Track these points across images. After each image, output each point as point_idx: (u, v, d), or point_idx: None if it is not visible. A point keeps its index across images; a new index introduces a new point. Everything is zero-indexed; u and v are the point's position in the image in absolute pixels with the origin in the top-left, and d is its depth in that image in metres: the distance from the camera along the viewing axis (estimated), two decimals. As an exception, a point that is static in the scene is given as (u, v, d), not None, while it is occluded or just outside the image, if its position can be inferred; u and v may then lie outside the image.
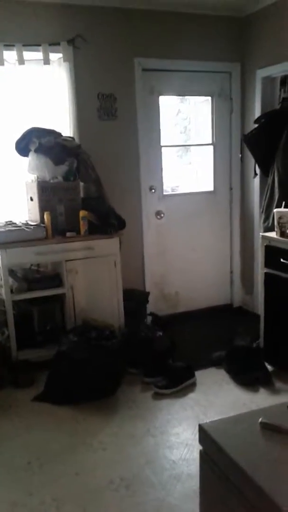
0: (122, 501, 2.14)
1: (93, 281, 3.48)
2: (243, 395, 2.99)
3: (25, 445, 2.58)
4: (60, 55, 3.62)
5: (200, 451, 1.13)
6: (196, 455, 2.39)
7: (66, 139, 3.64)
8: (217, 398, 2.96)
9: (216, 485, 1.09)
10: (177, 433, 2.65)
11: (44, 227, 3.36)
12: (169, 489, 2.20)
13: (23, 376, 3.22)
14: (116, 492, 2.19)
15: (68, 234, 3.42)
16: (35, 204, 3.54)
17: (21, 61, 3.49)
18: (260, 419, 1.09)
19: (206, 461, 1.12)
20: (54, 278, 3.47)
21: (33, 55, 3.55)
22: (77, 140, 3.71)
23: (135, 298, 3.82)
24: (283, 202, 3.21)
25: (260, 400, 2.88)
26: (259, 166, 3.91)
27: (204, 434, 1.11)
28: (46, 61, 3.56)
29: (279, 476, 0.93)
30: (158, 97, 4.08)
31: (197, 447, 2.44)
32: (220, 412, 2.75)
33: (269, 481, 0.91)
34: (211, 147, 4.39)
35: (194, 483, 2.18)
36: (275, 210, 3.15)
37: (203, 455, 1.13)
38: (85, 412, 2.85)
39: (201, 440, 1.13)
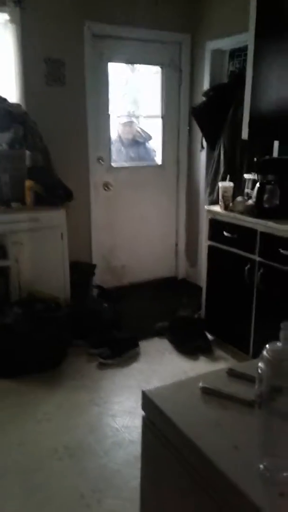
0: (65, 469, 2.17)
1: (39, 253, 3.41)
2: (184, 363, 3.09)
3: None
4: (6, 16, 3.42)
5: (143, 417, 1.16)
6: (138, 422, 2.45)
7: (11, 105, 3.49)
8: (159, 367, 3.04)
9: (157, 450, 1.13)
10: (120, 401, 2.71)
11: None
12: (111, 455, 2.26)
13: None
14: (60, 460, 2.22)
15: (13, 204, 3.32)
16: (-22, 172, 3.39)
17: None
18: (200, 384, 1.13)
19: (148, 426, 1.15)
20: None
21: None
22: (23, 107, 3.56)
23: (81, 271, 3.80)
24: (228, 176, 3.27)
25: (200, 367, 2.99)
26: (206, 139, 3.94)
27: (146, 400, 1.14)
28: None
29: (218, 437, 0.98)
30: (107, 64, 3.98)
31: (139, 415, 2.49)
32: (163, 380, 2.82)
33: (209, 443, 0.95)
34: (160, 119, 4.37)
35: (135, 449, 2.25)
36: (219, 184, 3.20)
37: (146, 421, 1.16)
38: (30, 384, 2.84)
39: (144, 407, 1.15)
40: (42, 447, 2.32)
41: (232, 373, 1.19)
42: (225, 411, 1.06)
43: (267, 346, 0.86)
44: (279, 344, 0.85)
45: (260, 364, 0.85)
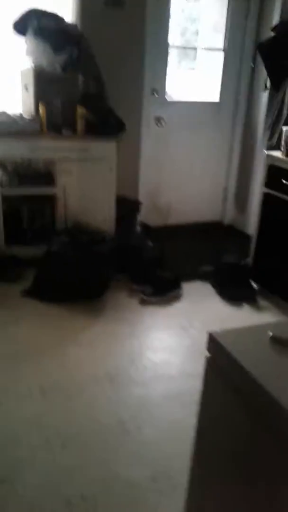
0: (106, 393, 2.26)
1: (86, 184, 3.39)
2: (227, 309, 3.08)
3: (14, 336, 2.65)
4: None
5: (207, 358, 1.16)
6: (177, 359, 2.53)
7: (67, 25, 3.32)
8: (202, 310, 3.05)
9: (220, 392, 1.14)
10: (161, 338, 2.76)
11: (39, 120, 3.18)
12: (151, 387, 2.33)
13: (10, 270, 3.22)
14: (100, 386, 2.30)
15: (64, 131, 3.25)
16: (30, 94, 3.31)
17: None
18: (270, 333, 1.11)
19: (213, 368, 1.16)
20: (46, 176, 3.36)
21: None
22: (80, 28, 3.38)
23: (127, 206, 3.77)
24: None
25: (244, 316, 2.99)
26: (270, 79, 3.69)
27: (213, 342, 1.13)
28: None
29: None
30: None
31: (180, 353, 2.56)
32: (205, 323, 2.85)
33: (279, 389, 0.95)
34: (221, 53, 4.10)
35: (174, 385, 2.31)
36: (284, 128, 3.02)
37: (210, 362, 1.16)
38: (73, 311, 2.91)
39: (209, 348, 1.15)
40: (83, 371, 2.40)
41: (303, 325, 1.17)
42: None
43: None
44: None
45: None
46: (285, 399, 0.92)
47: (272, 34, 3.56)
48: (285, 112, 3.38)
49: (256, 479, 1.05)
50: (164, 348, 2.65)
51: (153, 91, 3.92)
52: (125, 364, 2.49)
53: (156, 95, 3.94)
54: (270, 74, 3.66)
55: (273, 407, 0.93)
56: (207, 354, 1.17)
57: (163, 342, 2.71)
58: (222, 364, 1.11)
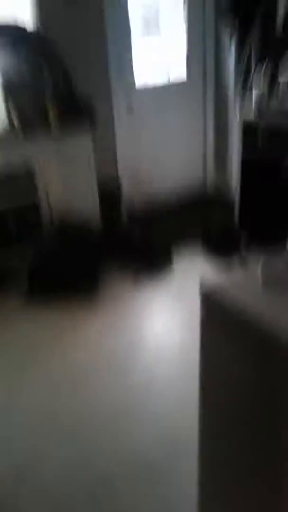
0: (113, 381, 2.25)
1: (67, 179, 3.36)
2: (220, 272, 3.04)
3: (13, 337, 2.66)
4: None
5: (202, 318, 1.13)
6: (178, 336, 2.51)
7: (28, 30, 3.30)
8: (196, 278, 3.00)
9: (218, 331, 1.12)
10: (157, 319, 2.75)
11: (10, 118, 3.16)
12: (156, 371, 2.31)
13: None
14: (106, 375, 2.30)
15: (37, 130, 3.23)
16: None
17: None
18: (259, 271, 1.09)
19: (210, 323, 1.14)
20: (26, 178, 3.32)
21: None
22: (41, 31, 3.35)
23: (109, 193, 3.74)
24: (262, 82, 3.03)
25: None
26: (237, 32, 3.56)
27: (206, 298, 1.11)
28: None
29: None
30: None
31: (180, 335, 2.53)
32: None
33: (275, 322, 0.94)
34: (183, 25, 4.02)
35: (178, 366, 2.31)
36: (254, 91, 2.98)
37: (205, 318, 1.14)
38: (69, 307, 2.89)
39: (203, 304, 1.13)
40: (87, 362, 2.40)
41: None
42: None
43: None
44: None
45: None
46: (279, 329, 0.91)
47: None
48: (252, 70, 3.33)
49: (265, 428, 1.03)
50: (164, 330, 2.63)
51: (122, 79, 3.88)
52: (127, 349, 2.47)
53: (125, 84, 3.90)
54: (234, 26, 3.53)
55: (274, 342, 0.92)
56: (202, 308, 1.15)
57: (161, 325, 2.69)
58: (217, 316, 1.10)
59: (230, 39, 3.66)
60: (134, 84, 3.98)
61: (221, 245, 3.21)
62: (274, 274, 1.07)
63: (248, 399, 1.06)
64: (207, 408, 1.25)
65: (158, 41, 4.14)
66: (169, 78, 4.18)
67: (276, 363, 0.94)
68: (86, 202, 3.44)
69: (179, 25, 4.07)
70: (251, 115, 3.00)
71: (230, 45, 3.72)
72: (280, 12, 2.73)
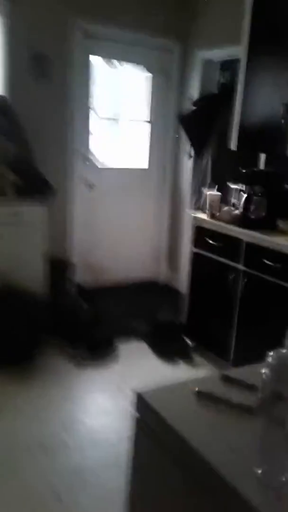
0: (39, 465, 2.14)
1: (17, 247, 3.36)
2: (163, 368, 3.10)
3: None
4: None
5: (136, 418, 1.16)
6: (115, 424, 2.47)
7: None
8: (138, 370, 3.04)
9: (150, 452, 1.13)
10: (96, 402, 2.70)
11: None
12: (88, 454, 2.24)
13: None
14: (33, 456, 2.19)
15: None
16: None
17: None
18: (196, 388, 1.14)
19: (142, 428, 1.15)
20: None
21: None
22: (8, 99, 3.52)
23: (60, 268, 3.77)
24: (216, 186, 3.31)
25: (180, 373, 3.01)
26: (193, 147, 3.98)
27: (141, 402, 1.14)
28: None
29: (215, 440, 0.99)
30: (91, 61, 3.96)
31: (116, 416, 2.51)
32: (141, 383, 2.78)
33: (205, 444, 0.96)
34: (147, 124, 4.38)
35: (112, 450, 2.24)
36: (207, 192, 3.24)
37: (139, 422, 1.16)
38: (3, 376, 2.79)
39: (137, 408, 1.15)
40: (16, 440, 2.28)
41: (226, 379, 1.21)
42: (221, 416, 1.07)
43: (272, 352, 0.88)
44: (283, 350, 0.88)
45: (264, 370, 0.87)
46: (211, 456, 0.94)
47: (192, 107, 3.88)
48: (208, 177, 3.63)
49: None
50: (101, 412, 2.59)
51: (84, 158, 4.07)
52: (60, 430, 2.39)
53: (87, 162, 4.10)
54: (192, 144, 3.95)
55: (202, 465, 0.94)
56: (136, 414, 1.17)
57: (100, 406, 2.65)
58: (149, 422, 1.12)
59: (190, 146, 3.98)
60: (97, 163, 4.17)
61: (167, 339, 3.26)
62: (208, 391, 1.13)
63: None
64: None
65: (121, 130, 4.44)
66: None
67: (201, 485, 0.96)
68: (33, 272, 3.43)
69: (143, 119, 4.39)
70: (203, 215, 3.20)
71: (190, 150, 4.03)
72: (235, 130, 3.03)
